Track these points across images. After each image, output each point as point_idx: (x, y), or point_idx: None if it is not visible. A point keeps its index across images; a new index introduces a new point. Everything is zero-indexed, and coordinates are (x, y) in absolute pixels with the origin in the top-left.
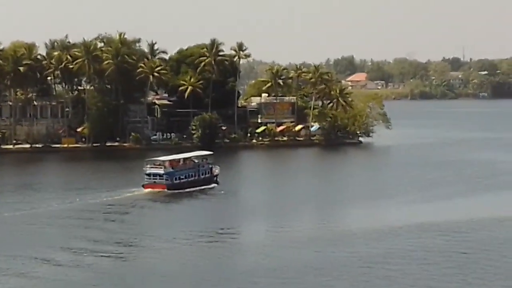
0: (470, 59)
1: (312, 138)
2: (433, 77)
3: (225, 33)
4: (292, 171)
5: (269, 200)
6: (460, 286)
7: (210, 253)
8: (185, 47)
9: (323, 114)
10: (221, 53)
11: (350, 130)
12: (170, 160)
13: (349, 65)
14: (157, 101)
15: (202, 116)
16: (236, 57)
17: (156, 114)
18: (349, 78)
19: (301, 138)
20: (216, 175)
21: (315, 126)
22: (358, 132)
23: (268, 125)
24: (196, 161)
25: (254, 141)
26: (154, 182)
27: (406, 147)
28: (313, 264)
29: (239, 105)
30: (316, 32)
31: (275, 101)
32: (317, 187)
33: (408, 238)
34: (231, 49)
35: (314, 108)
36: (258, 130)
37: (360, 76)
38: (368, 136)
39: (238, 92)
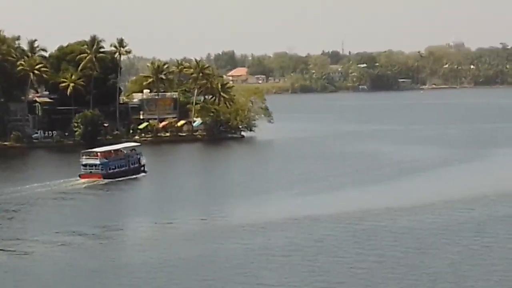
0: (349, 52)
1: (194, 133)
2: (313, 71)
3: (105, 30)
4: (175, 167)
5: (153, 196)
6: (348, 275)
7: (96, 250)
8: (65, 44)
9: (205, 109)
10: (101, 50)
11: (232, 125)
12: (103, 152)
13: (230, 60)
14: (38, 99)
15: (83, 113)
16: (117, 54)
17: (37, 112)
18: (230, 73)
19: (183, 134)
20: (144, 165)
21: (197, 121)
22: (240, 126)
23: (151, 121)
24: (125, 152)
25: (136, 137)
26: (91, 172)
27: (288, 141)
28: (200, 258)
29: (121, 102)
30: (196, 27)
31: (156, 97)
32: (201, 182)
33: (294, 230)
34: (111, 45)
35: (196, 104)
36: (141, 127)
37: (241, 71)
38: (251, 130)
39: (120, 88)
